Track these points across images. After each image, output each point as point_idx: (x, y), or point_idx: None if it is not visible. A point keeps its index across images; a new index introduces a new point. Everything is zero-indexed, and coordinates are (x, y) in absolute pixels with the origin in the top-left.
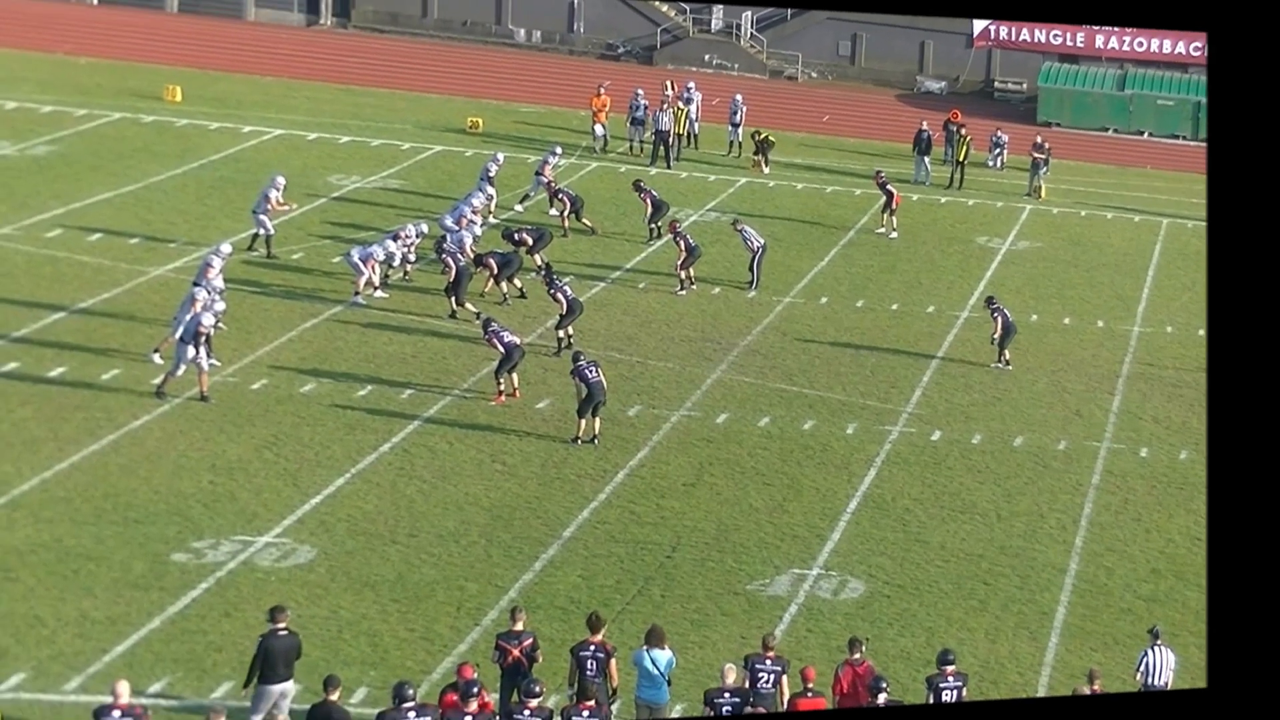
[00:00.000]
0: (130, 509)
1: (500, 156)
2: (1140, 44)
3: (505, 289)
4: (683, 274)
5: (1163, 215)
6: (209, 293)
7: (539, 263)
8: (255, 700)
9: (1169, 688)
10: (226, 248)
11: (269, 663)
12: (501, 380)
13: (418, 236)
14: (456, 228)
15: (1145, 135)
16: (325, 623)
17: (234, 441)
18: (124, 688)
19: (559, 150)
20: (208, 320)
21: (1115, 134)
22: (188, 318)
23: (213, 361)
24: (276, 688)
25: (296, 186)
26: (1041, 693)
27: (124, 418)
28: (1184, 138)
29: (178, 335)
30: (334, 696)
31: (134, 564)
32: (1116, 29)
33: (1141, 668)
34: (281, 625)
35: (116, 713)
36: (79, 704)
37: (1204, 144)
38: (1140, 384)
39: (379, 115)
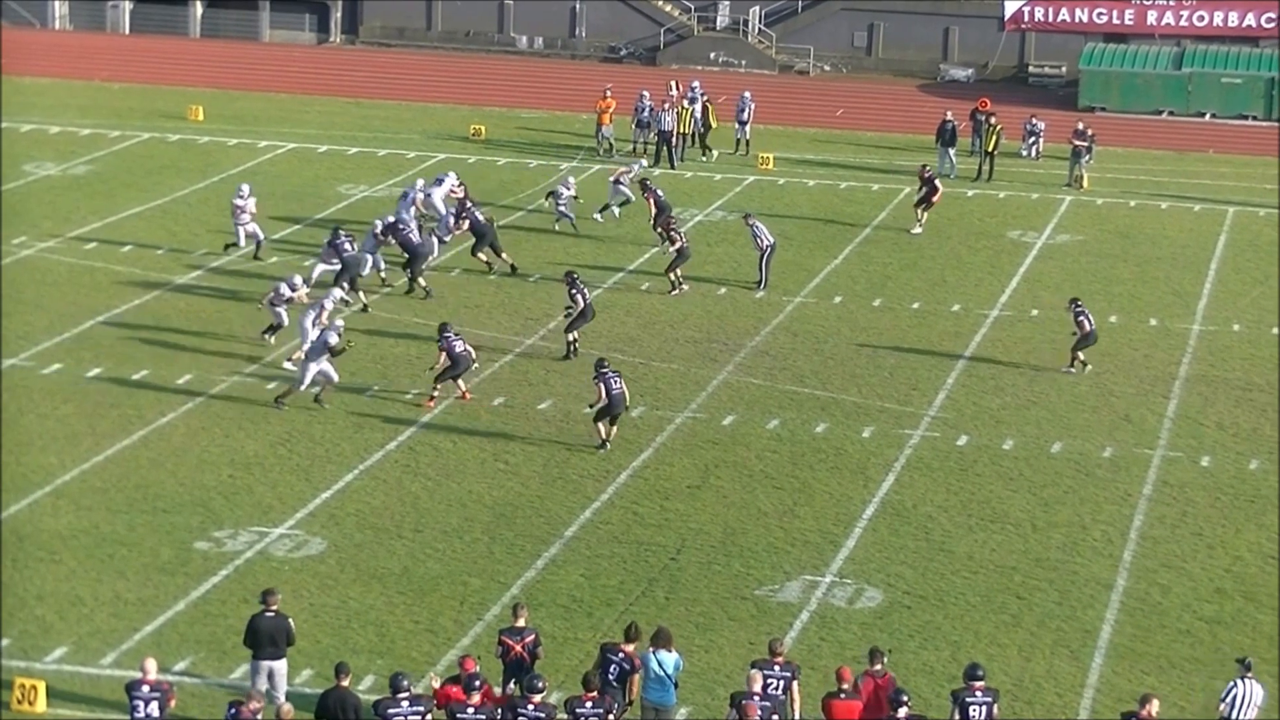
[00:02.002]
0: (158, 499)
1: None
2: (1200, 18)
3: (485, 257)
4: (671, 276)
5: (1228, 203)
6: (331, 303)
7: (484, 259)
8: (252, 675)
9: None
10: (298, 281)
11: (255, 640)
12: (439, 387)
13: (384, 234)
14: (409, 217)
15: (1207, 117)
16: (335, 612)
17: (251, 438)
18: (152, 665)
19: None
20: (334, 339)
21: (1171, 117)
22: (314, 333)
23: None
24: (265, 664)
25: (308, 197)
26: (1084, 715)
27: (153, 415)
28: (1254, 118)
29: (304, 350)
30: (345, 682)
31: (162, 550)
32: (1173, 3)
33: (1228, 699)
34: (269, 607)
35: (145, 687)
36: (113, 677)
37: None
38: (1201, 387)
39: (386, 126)
